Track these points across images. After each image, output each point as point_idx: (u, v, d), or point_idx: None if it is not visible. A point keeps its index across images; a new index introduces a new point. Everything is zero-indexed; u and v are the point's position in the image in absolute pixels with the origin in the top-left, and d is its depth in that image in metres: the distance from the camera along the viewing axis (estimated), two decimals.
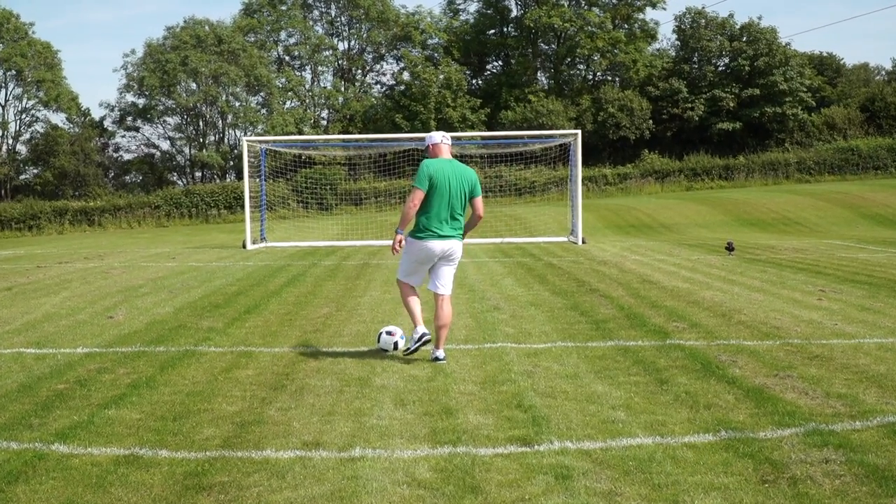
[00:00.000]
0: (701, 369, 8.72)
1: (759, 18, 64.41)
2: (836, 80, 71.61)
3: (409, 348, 9.52)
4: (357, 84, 71.31)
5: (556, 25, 64.75)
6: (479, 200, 9.42)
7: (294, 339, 10.78)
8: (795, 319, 11.60)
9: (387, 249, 26.13)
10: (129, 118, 65.53)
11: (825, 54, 74.65)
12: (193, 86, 63.18)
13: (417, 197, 9.07)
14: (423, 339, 9.36)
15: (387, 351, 9.77)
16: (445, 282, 9.39)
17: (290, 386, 8.31)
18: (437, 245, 9.18)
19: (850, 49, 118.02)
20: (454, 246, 9.30)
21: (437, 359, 9.23)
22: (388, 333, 9.86)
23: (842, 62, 75.32)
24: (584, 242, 27.47)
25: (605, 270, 18.58)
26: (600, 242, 28.48)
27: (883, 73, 78.70)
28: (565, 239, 29.52)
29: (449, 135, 9.66)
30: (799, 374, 8.44)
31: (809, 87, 63.86)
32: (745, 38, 63.68)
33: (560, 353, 9.66)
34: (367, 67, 72.72)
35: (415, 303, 9.50)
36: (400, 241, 9.26)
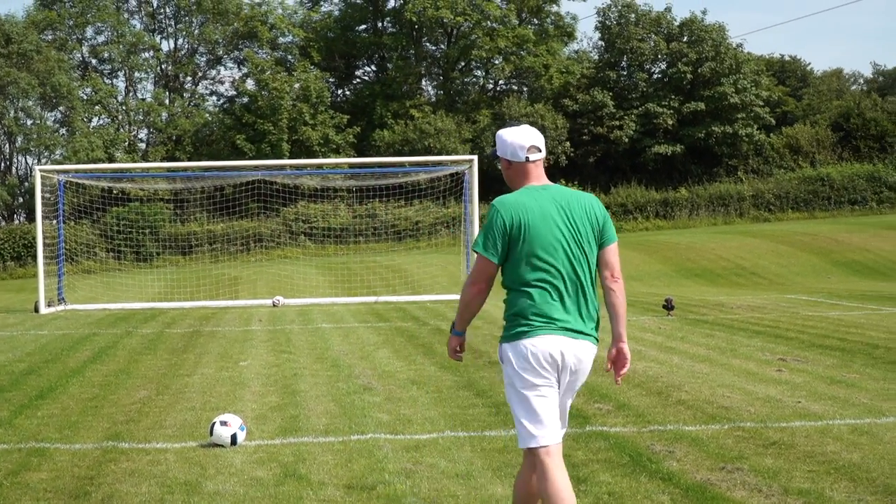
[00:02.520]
0: (629, 463, 8.88)
1: (704, 13, 66.10)
2: (801, 92, 73.43)
3: None
4: (186, 96, 70.92)
5: (445, 20, 65.32)
6: (613, 250, 6.58)
7: (101, 431, 10.64)
8: (749, 397, 11.87)
9: (224, 313, 25.94)
10: None
11: (787, 58, 76.66)
12: None
13: (483, 272, 6.49)
14: None
15: (222, 447, 9.73)
16: (559, 420, 6.55)
17: (95, 493, 8.23)
18: (556, 345, 6.30)
19: (818, 52, 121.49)
20: (584, 352, 6.42)
21: None
22: (224, 424, 9.82)
23: (808, 68, 77.48)
24: None
25: None
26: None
27: (861, 81, 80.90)
28: (458, 297, 29.62)
29: (540, 137, 6.63)
30: (751, 467, 8.65)
31: (767, 100, 65.33)
32: (685, 38, 65.00)
33: (449, 445, 9.72)
34: (200, 74, 72.49)
35: None
36: (459, 347, 6.86)
